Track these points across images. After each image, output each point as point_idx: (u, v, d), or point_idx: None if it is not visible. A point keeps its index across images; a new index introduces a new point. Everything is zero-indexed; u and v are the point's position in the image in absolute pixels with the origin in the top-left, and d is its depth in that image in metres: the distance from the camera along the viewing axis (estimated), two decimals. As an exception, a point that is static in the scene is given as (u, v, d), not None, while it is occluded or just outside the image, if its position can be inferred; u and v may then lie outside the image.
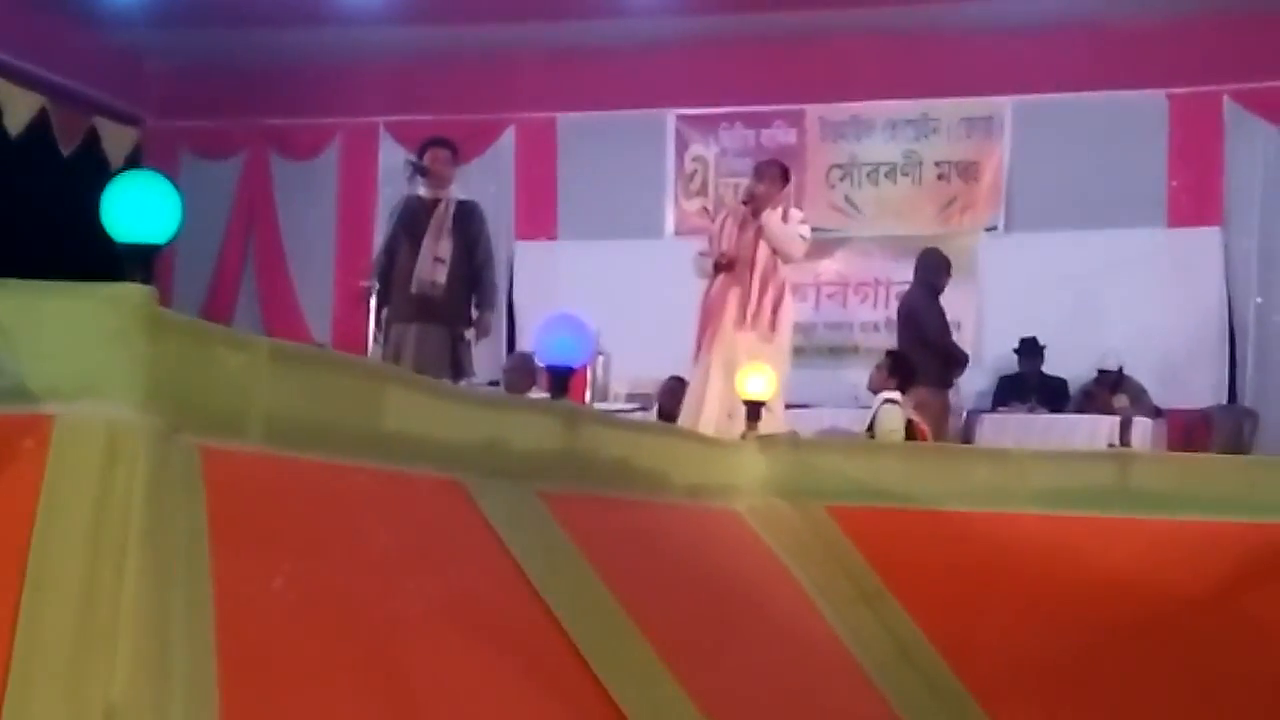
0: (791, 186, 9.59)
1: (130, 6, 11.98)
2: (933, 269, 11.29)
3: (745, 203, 8.93)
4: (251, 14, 12.38)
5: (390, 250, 9.02)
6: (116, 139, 13.73)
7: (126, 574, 2.33)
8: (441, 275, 8.65)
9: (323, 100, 13.64)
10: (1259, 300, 11.75)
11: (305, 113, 13.79)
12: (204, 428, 2.69)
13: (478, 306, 9.04)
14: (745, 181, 9.37)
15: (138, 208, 2.93)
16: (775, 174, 9.13)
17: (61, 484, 2.43)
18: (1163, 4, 11.52)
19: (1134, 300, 11.81)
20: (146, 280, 2.78)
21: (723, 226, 9.08)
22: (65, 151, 13.02)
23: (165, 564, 2.40)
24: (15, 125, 12.49)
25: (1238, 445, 11.00)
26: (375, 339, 9.03)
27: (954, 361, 11.27)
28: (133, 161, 13.75)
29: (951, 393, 11.34)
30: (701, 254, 9.20)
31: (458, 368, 8.71)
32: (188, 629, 2.38)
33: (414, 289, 8.67)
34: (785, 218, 8.97)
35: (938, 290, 11.23)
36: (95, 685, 2.20)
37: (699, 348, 8.90)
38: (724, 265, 8.81)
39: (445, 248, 8.69)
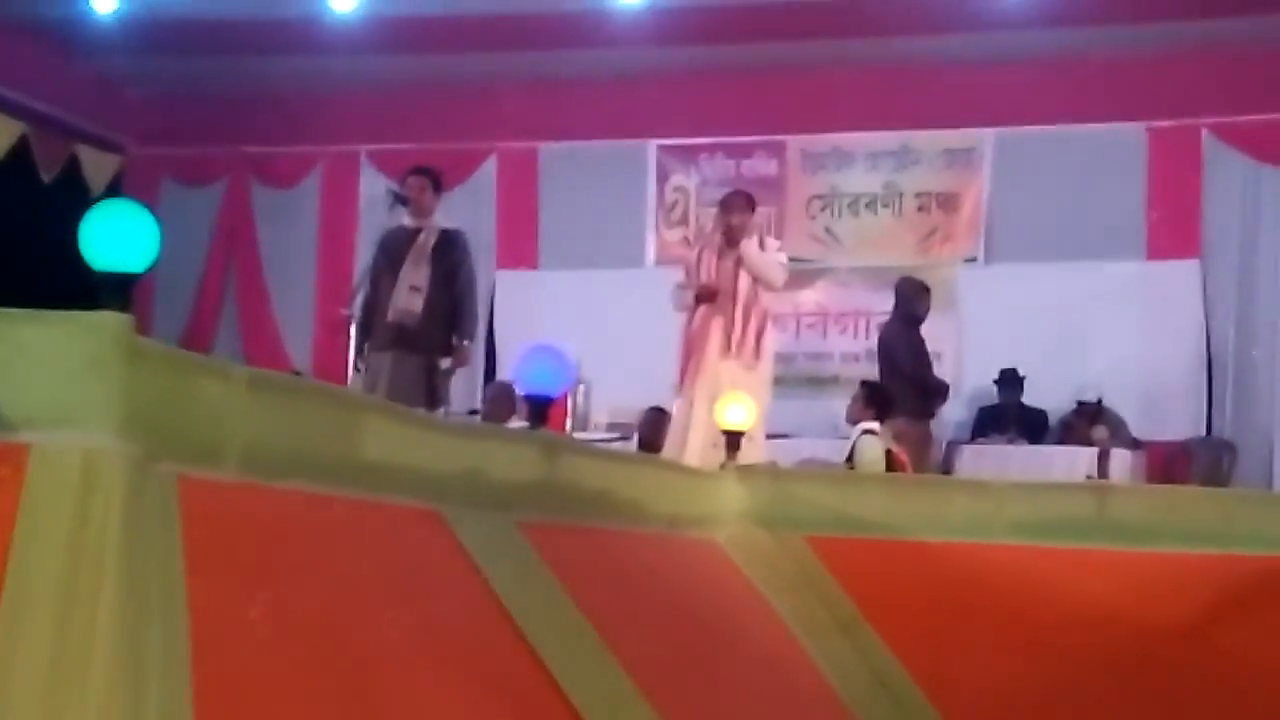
0: (762, 215, 9.59)
1: (111, 34, 11.97)
2: (911, 297, 11.28)
3: (724, 234, 8.92)
4: (233, 42, 12.37)
5: (372, 279, 9.02)
6: (97, 166, 13.70)
7: (101, 605, 2.33)
8: (418, 304, 8.63)
9: (304, 128, 13.63)
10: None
11: (286, 140, 13.77)
12: (181, 456, 2.68)
13: (457, 336, 9.02)
14: (718, 212, 9.32)
15: (116, 236, 2.93)
16: (743, 203, 9.13)
17: (37, 513, 2.42)
18: (1142, 38, 11.55)
19: (1113, 332, 11.82)
20: (124, 308, 2.77)
21: (700, 258, 9.06)
22: (46, 179, 12.98)
23: (141, 594, 2.40)
24: (-8, 152, 12.49)
25: (1216, 478, 11.02)
26: (356, 368, 9.01)
27: (933, 392, 11.25)
28: (114, 188, 13.73)
29: (933, 423, 11.35)
30: (679, 286, 9.19)
31: (433, 397, 8.68)
32: (163, 660, 2.37)
33: (390, 317, 8.66)
34: (762, 246, 8.98)
35: (918, 319, 11.22)
36: (69, 718, 2.19)
37: (682, 379, 8.88)
38: (705, 296, 8.81)
39: (422, 276, 8.68)
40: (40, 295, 2.75)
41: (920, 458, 10.82)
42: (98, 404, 2.54)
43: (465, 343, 9.08)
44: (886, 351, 11.18)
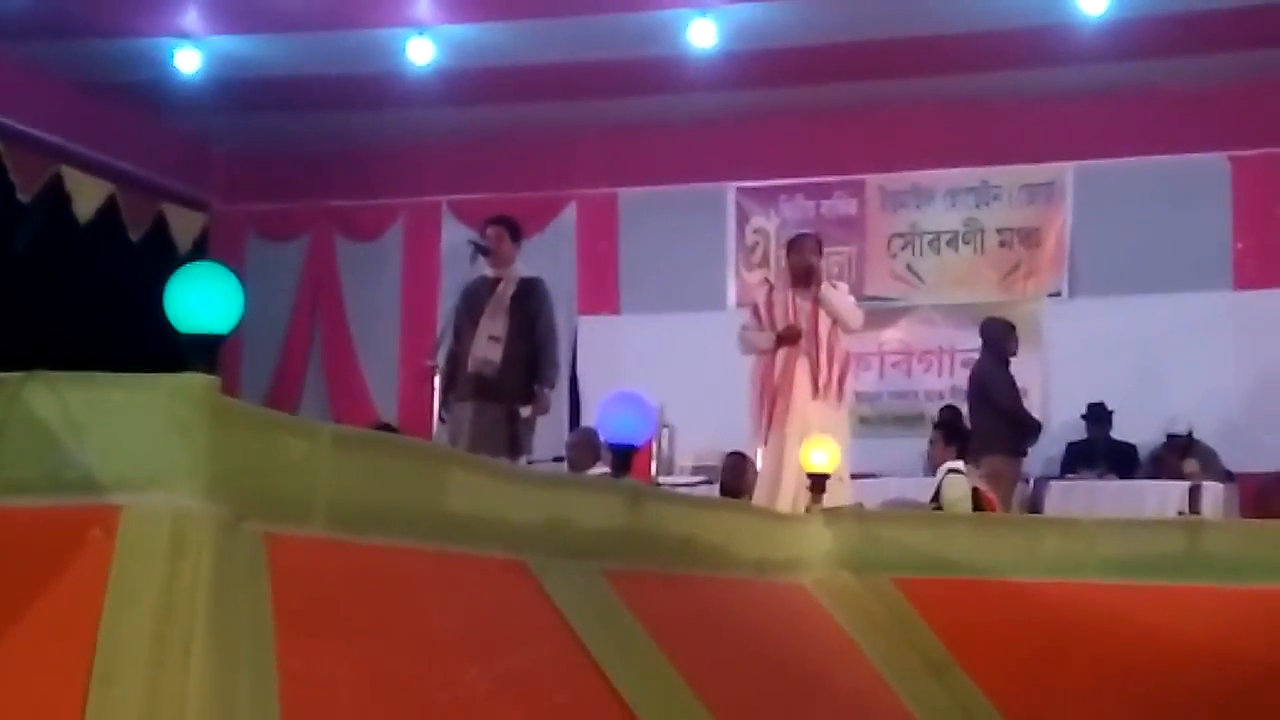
0: (843, 254, 9.58)
1: (196, 93, 12.14)
2: (999, 337, 11.26)
3: (802, 274, 8.89)
4: (314, 98, 12.53)
5: (455, 330, 9.07)
6: (184, 224, 13.88)
7: (192, 665, 2.35)
8: (497, 354, 8.65)
9: (385, 181, 13.75)
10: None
11: (368, 193, 13.89)
12: (268, 515, 2.71)
13: (537, 384, 9.04)
14: (793, 254, 9.27)
15: (201, 299, 2.97)
16: (815, 245, 9.14)
17: (128, 574, 2.45)
18: (1222, 66, 11.47)
19: (1202, 363, 11.70)
20: (210, 370, 2.81)
21: (770, 301, 9.04)
22: (134, 237, 13.17)
23: (230, 654, 2.42)
24: (84, 213, 12.65)
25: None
26: (440, 419, 9.06)
27: (1026, 429, 11.21)
28: (200, 245, 13.91)
29: (1025, 461, 11.30)
30: (745, 328, 9.18)
31: (515, 446, 8.70)
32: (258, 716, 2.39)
33: (470, 368, 8.70)
34: (833, 287, 8.99)
35: (1007, 358, 11.21)
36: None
37: (768, 423, 8.85)
38: (789, 338, 8.78)
39: (500, 326, 8.71)
40: (130, 355, 2.80)
41: (1008, 495, 10.76)
42: (185, 465, 2.57)
43: (546, 390, 9.10)
44: (980, 389, 11.13)
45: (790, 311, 8.85)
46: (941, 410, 11.59)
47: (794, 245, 9.30)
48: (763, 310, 9.11)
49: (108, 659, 2.35)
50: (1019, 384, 11.28)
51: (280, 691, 2.45)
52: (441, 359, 9.15)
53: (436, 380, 9.02)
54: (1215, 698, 4.36)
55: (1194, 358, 11.72)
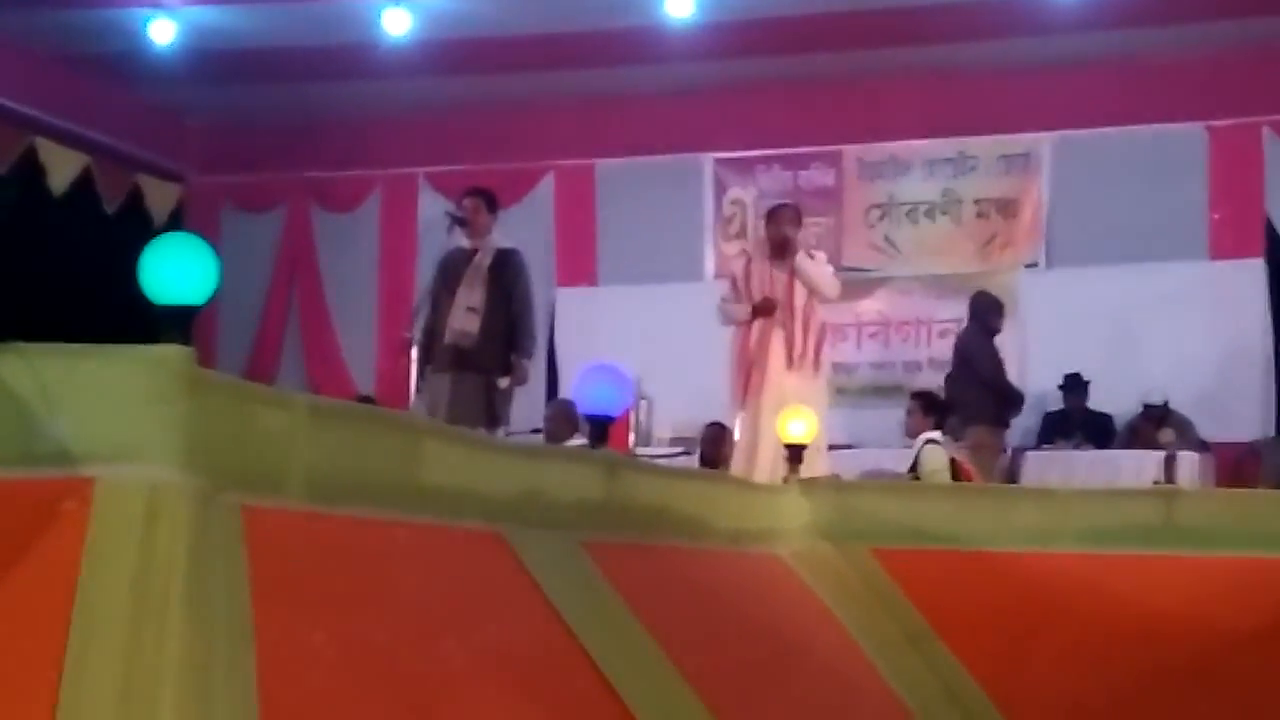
0: (820, 225, 9.57)
1: (171, 64, 12.08)
2: (987, 311, 11.31)
3: (779, 245, 8.89)
4: (290, 69, 12.47)
5: (432, 301, 9.05)
6: (159, 195, 13.83)
7: (169, 636, 2.34)
8: (474, 325, 8.64)
9: (362, 152, 13.73)
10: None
11: (345, 165, 13.86)
12: (244, 487, 2.70)
13: (515, 354, 9.03)
14: (769, 224, 9.27)
15: (175, 271, 2.96)
16: (794, 216, 9.11)
17: (103, 547, 2.44)
18: (1199, 36, 11.48)
19: (1178, 333, 11.73)
20: (185, 341, 2.80)
21: (749, 271, 9.02)
22: (109, 210, 13.13)
23: (207, 625, 2.41)
24: (59, 184, 12.61)
25: (1287, 479, 10.92)
26: (418, 390, 9.05)
27: (1010, 401, 11.26)
28: (175, 217, 13.86)
29: (1006, 432, 11.34)
30: (724, 299, 9.17)
31: (493, 417, 8.68)
32: (230, 690, 2.38)
33: (447, 339, 8.68)
34: (810, 257, 8.97)
35: (993, 332, 11.26)
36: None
37: (744, 394, 8.85)
38: (765, 310, 8.78)
39: (478, 297, 8.69)
40: (105, 328, 2.79)
41: (992, 466, 10.81)
42: (161, 437, 2.56)
43: (524, 360, 9.09)
44: (965, 359, 11.16)
45: (767, 283, 8.84)
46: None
47: (771, 216, 9.28)
48: (740, 282, 9.09)
49: (83, 632, 2.35)
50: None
51: (257, 663, 2.45)
52: (419, 330, 9.15)
53: (413, 351, 9.01)
54: (1191, 665, 4.38)
55: (1170, 328, 11.75)
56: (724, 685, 3.64)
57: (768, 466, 8.23)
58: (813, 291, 8.77)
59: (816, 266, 8.87)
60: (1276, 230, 11.97)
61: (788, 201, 9.89)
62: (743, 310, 8.93)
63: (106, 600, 2.38)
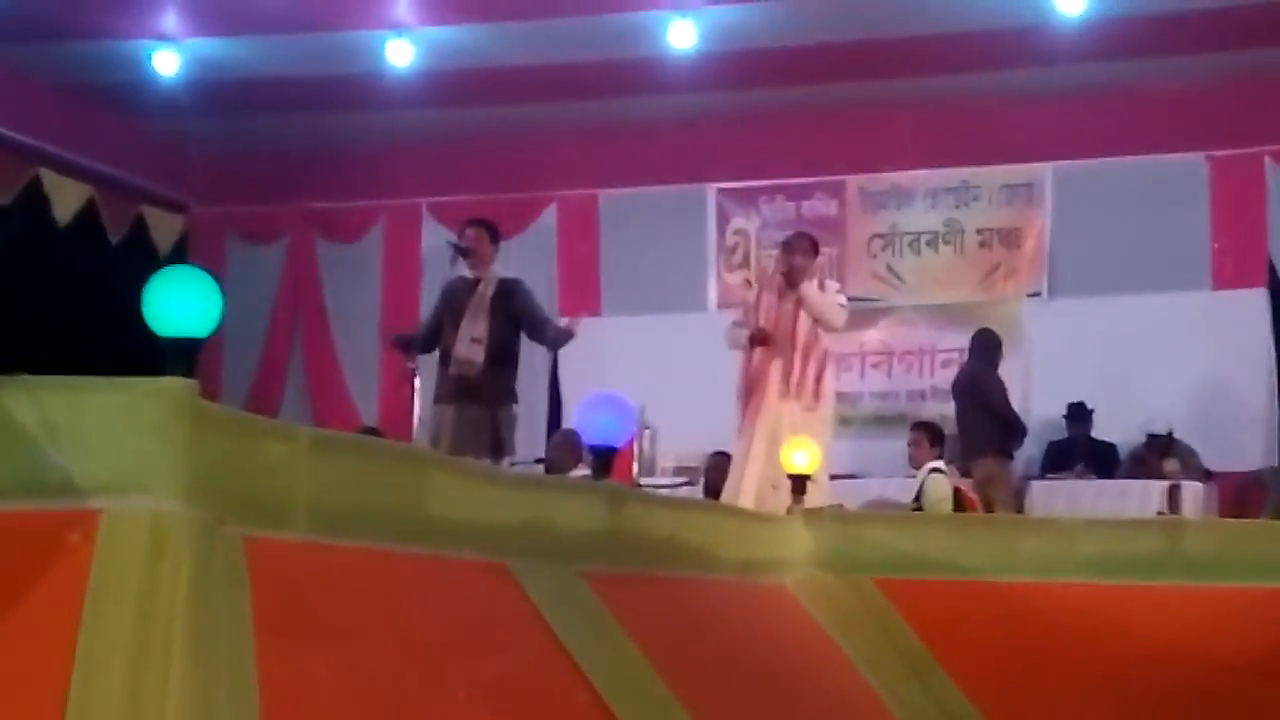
0: (824, 257, 9.56)
1: (174, 95, 12.11)
2: (990, 348, 11.37)
3: (785, 275, 8.90)
4: (293, 100, 12.51)
5: (435, 331, 9.05)
6: (163, 226, 13.84)
7: (172, 669, 2.34)
8: (479, 355, 8.63)
9: (365, 183, 13.74)
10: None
11: (349, 195, 13.87)
12: (248, 518, 2.70)
13: (546, 342, 9.41)
14: (776, 253, 9.33)
15: (179, 303, 2.97)
16: (807, 246, 9.11)
17: (108, 578, 2.44)
18: (1199, 67, 11.50)
19: (1181, 363, 11.72)
20: (189, 373, 2.80)
21: (759, 299, 9.04)
22: (114, 240, 13.14)
23: (210, 658, 2.41)
24: (64, 215, 12.61)
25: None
26: (420, 420, 9.06)
27: (1014, 432, 11.28)
28: (180, 248, 13.88)
29: (1011, 463, 11.35)
30: (735, 324, 9.18)
31: (497, 447, 8.66)
32: (234, 722, 2.39)
33: (452, 369, 8.68)
34: (822, 288, 8.98)
35: (995, 367, 11.29)
36: (140, 783, 2.21)
37: (745, 420, 8.86)
38: (760, 340, 8.79)
39: (481, 327, 8.69)
40: (109, 359, 2.79)
41: (1004, 497, 10.80)
42: (164, 469, 2.56)
43: (555, 335, 9.36)
44: (975, 389, 11.16)
45: (772, 311, 8.85)
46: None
47: (783, 246, 9.30)
48: (751, 309, 9.11)
49: (87, 663, 2.35)
50: (1000, 384, 11.36)
51: (260, 695, 2.45)
52: (415, 360, 9.18)
53: (416, 382, 9.03)
54: (1195, 697, 4.37)
55: (1173, 357, 11.74)
56: (726, 717, 3.64)
57: (753, 491, 8.24)
58: (817, 321, 8.77)
59: (823, 296, 8.88)
60: (1275, 262, 11.97)
61: (804, 232, 9.87)
62: (742, 336, 8.94)
63: (111, 631, 2.38)
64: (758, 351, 8.80)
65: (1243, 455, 11.62)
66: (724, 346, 9.26)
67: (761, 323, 8.85)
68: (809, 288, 8.81)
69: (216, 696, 2.38)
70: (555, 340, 9.48)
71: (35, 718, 2.28)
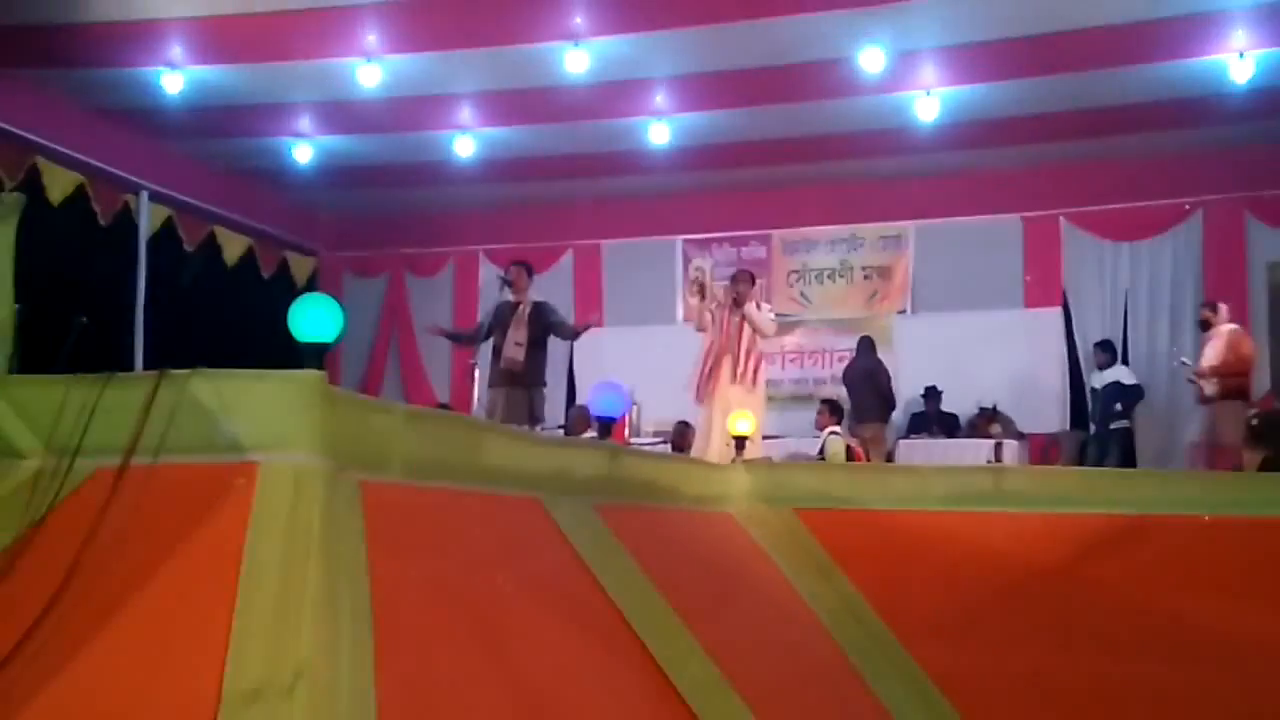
0: (759, 286, 9.57)
1: (308, 176, 12.10)
2: (871, 348, 11.53)
3: (733, 299, 8.90)
4: (390, 178, 12.49)
5: (486, 334, 9.05)
6: (301, 266, 13.82)
7: (309, 573, 2.34)
8: (520, 355, 8.65)
9: (440, 235, 13.71)
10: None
11: (429, 244, 13.83)
12: (361, 467, 2.71)
13: (567, 338, 9.42)
14: (725, 284, 9.31)
15: (312, 319, 2.96)
16: (747, 278, 9.11)
17: (264, 510, 2.44)
18: (1016, 156, 11.52)
19: (1002, 358, 11.73)
20: (320, 368, 2.81)
21: (714, 314, 9.03)
22: (266, 275, 13.14)
23: (336, 563, 2.41)
24: (230, 258, 12.64)
25: (1078, 460, 10.94)
26: (479, 399, 9.06)
27: (891, 406, 11.35)
28: (312, 281, 13.88)
29: (888, 428, 11.39)
30: (687, 320, 9.21)
31: (533, 418, 8.68)
32: (352, 611, 2.38)
33: (502, 365, 8.69)
34: (758, 307, 8.97)
35: (878, 358, 11.41)
36: (289, 651, 2.20)
37: (700, 399, 8.85)
38: (708, 347, 8.86)
39: (523, 335, 8.69)
40: (264, 358, 2.79)
41: (882, 451, 10.85)
42: (303, 434, 2.56)
43: (573, 335, 9.51)
44: (869, 377, 11.22)
45: (724, 322, 8.85)
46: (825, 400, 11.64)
47: (731, 278, 9.29)
48: (701, 318, 9.10)
49: (251, 564, 2.35)
50: (877, 374, 11.41)
51: (370, 587, 2.45)
52: (476, 357, 9.20)
53: (476, 373, 9.02)
54: (1012, 586, 4.38)
55: (997, 354, 11.76)
56: (691, 601, 3.64)
57: (717, 449, 8.23)
58: (755, 330, 8.77)
59: (759, 314, 8.86)
60: (1066, 289, 12.00)
61: (745, 269, 9.84)
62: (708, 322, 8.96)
63: (267, 548, 2.38)
64: (715, 351, 8.79)
65: (1045, 422, 11.65)
66: (688, 347, 9.24)
67: (718, 333, 8.84)
68: (750, 308, 8.80)
69: (341, 588, 2.38)
70: (573, 335, 9.51)
71: (215, 609, 2.27)
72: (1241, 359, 9.52)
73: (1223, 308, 9.95)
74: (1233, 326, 9.75)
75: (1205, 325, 9.83)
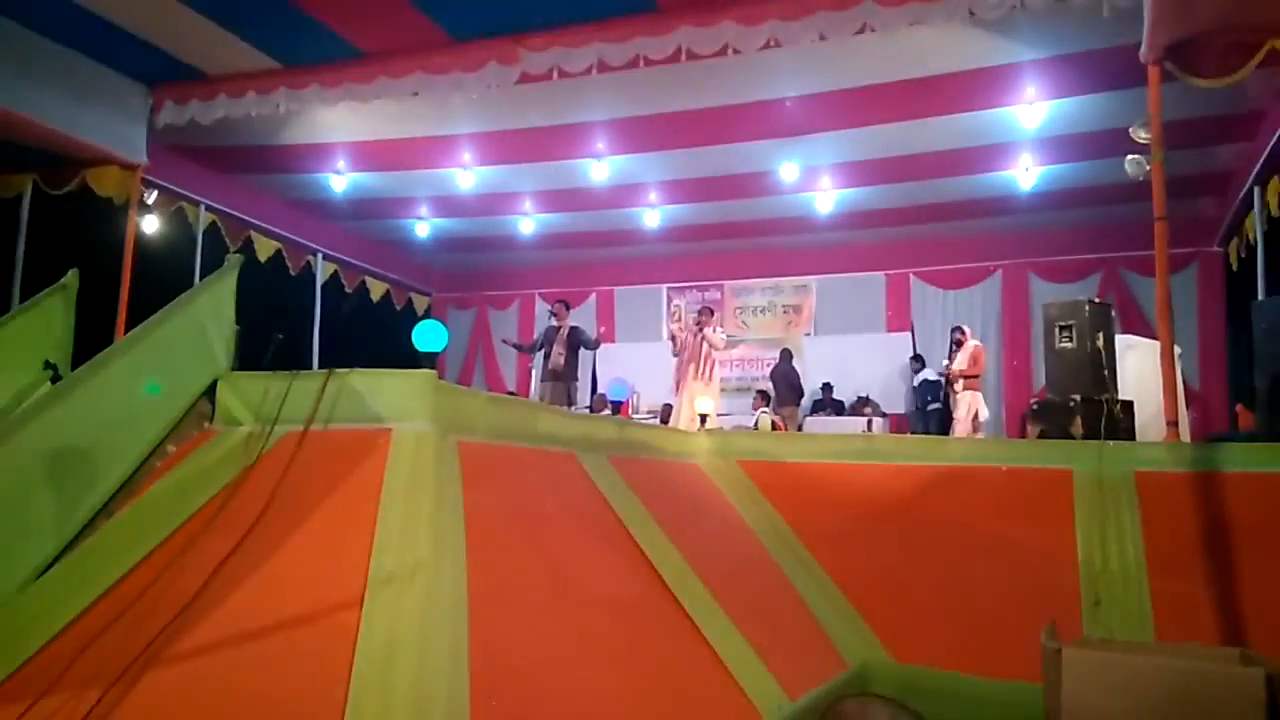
0: (716, 317, 9.54)
1: (425, 244, 12.10)
2: (788, 357, 11.44)
3: (697, 325, 8.88)
4: (478, 245, 12.47)
5: (538, 348, 9.05)
6: (420, 302, 13.72)
7: (425, 498, 2.35)
8: (562, 361, 8.65)
9: (511, 283, 13.64)
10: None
11: (503, 288, 13.75)
12: (459, 432, 2.71)
13: (594, 348, 9.18)
14: (694, 315, 9.27)
15: (428, 335, 2.97)
16: (709, 313, 9.08)
17: (396, 461, 2.45)
18: (888, 233, 11.46)
19: (872, 364, 11.68)
20: (432, 367, 2.81)
21: (687, 336, 9.01)
22: (398, 308, 13.06)
23: (442, 495, 2.42)
24: (375, 297, 12.53)
25: (943, 431, 10.89)
26: (534, 389, 9.05)
27: (800, 395, 11.29)
28: (428, 311, 13.80)
29: (799, 409, 11.35)
30: (675, 345, 9.13)
31: (570, 402, 8.67)
32: (452, 525, 2.38)
33: (549, 367, 8.69)
34: (715, 331, 8.96)
35: (793, 364, 11.34)
36: (411, 551, 2.21)
37: (677, 390, 8.83)
38: (682, 356, 8.82)
39: (563, 348, 8.69)
40: (396, 362, 2.80)
41: (795, 424, 10.80)
42: (422, 410, 2.57)
43: (596, 347, 9.33)
44: (785, 377, 11.17)
45: (691, 341, 8.84)
46: (760, 390, 11.58)
47: (698, 313, 9.27)
48: (679, 340, 9.07)
49: (388, 497, 2.35)
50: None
51: (464, 511, 2.46)
52: (535, 364, 9.18)
53: (534, 372, 9.00)
54: (878, 513, 4.37)
55: (869, 363, 11.71)
56: (675, 520, 3.64)
57: (685, 423, 8.21)
58: (712, 347, 8.75)
59: (715, 335, 8.84)
60: (913, 320, 11.95)
61: (707, 306, 9.81)
62: (681, 349, 8.93)
63: (397, 484, 2.39)
64: (685, 360, 8.77)
65: (897, 406, 11.60)
66: (670, 358, 9.21)
67: (688, 347, 8.81)
68: (708, 331, 8.78)
69: (445, 510, 2.38)
70: (595, 345, 9.36)
71: (366, 516, 2.28)
72: (978, 364, 9.53)
73: (968, 329, 9.95)
74: (975, 342, 9.73)
75: (958, 343, 9.82)
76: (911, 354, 11.36)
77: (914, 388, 11.17)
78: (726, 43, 6.25)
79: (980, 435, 9.14)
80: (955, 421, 9.40)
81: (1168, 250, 4.80)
